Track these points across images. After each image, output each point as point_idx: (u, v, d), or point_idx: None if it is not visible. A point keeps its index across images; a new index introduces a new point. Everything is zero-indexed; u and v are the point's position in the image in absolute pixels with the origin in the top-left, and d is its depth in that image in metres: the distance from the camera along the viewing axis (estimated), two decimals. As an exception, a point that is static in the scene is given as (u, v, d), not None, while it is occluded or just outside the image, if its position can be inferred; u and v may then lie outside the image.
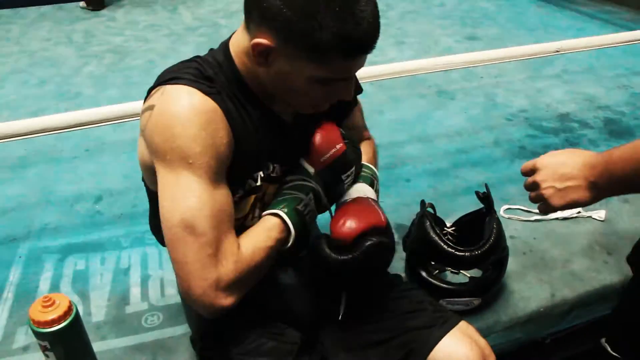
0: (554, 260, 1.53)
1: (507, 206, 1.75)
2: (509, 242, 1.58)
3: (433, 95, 2.55)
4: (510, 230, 1.65)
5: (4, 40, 3.53)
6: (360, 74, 1.80)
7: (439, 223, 1.42)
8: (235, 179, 0.88)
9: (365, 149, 1.13)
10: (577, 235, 1.63)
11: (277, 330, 1.00)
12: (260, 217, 0.94)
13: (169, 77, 0.84)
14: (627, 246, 1.57)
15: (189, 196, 0.78)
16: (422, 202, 1.38)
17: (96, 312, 1.38)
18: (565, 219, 1.71)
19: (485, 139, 2.17)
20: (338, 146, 0.98)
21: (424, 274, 1.33)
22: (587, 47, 1.80)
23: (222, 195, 0.83)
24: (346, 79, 0.87)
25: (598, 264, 1.52)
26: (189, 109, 0.79)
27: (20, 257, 1.57)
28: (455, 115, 2.36)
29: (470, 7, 3.82)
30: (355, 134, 1.13)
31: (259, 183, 0.92)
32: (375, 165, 1.14)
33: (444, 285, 1.32)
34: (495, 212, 1.35)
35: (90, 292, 1.44)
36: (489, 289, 1.35)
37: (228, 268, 0.81)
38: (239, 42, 0.88)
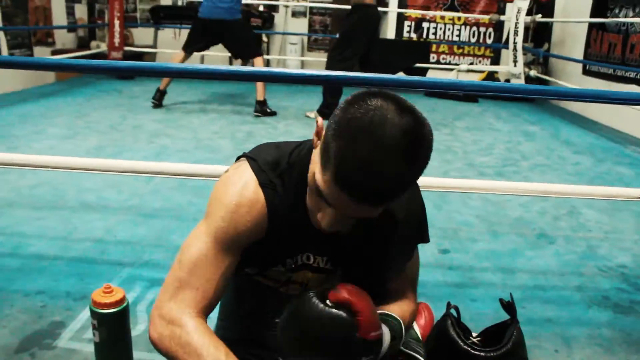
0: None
1: (563, 343, 1.71)
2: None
3: (533, 236, 2.57)
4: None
5: (185, 128, 4.28)
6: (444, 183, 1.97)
7: (464, 330, 1.47)
8: (271, 256, 1.05)
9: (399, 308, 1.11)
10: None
11: None
12: (298, 293, 1.07)
13: (252, 155, 1.04)
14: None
15: (194, 239, 0.99)
16: (448, 304, 1.45)
17: (155, 329, 1.63)
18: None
19: (569, 282, 2.13)
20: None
21: (441, 372, 1.37)
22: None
23: (215, 259, 0.97)
24: (332, 205, 0.88)
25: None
26: (235, 191, 0.99)
27: (119, 276, 1.91)
28: (547, 257, 2.35)
29: (607, 170, 3.78)
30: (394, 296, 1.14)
31: (293, 266, 1.07)
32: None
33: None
34: (517, 321, 1.38)
35: (158, 314, 1.70)
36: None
37: (172, 310, 0.95)
38: None
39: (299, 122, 4.74)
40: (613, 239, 2.58)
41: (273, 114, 4.96)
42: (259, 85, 4.93)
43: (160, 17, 7.77)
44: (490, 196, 3.07)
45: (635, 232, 2.68)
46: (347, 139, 0.81)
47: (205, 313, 0.98)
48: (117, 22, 6.33)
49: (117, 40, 6.37)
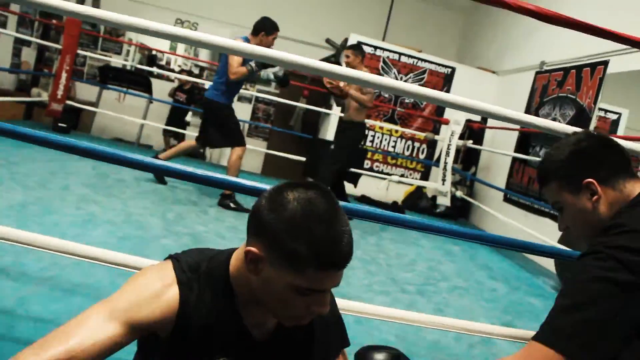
0: None
1: None
2: None
3: (448, 363, 2.64)
4: None
5: (115, 198, 4.16)
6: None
7: None
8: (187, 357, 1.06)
9: None
10: None
11: None
12: None
13: (177, 256, 1.10)
14: None
15: (87, 310, 0.99)
16: None
17: None
18: None
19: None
20: None
21: None
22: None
23: (100, 324, 0.95)
24: (322, 291, 0.99)
25: None
26: (150, 280, 1.03)
27: None
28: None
29: (518, 299, 3.98)
30: None
31: None
32: None
33: None
34: None
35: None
36: None
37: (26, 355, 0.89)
38: (240, 251, 1.06)
39: (230, 211, 4.72)
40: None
41: (242, 210, 4.64)
42: (230, 172, 4.68)
43: (108, 77, 7.75)
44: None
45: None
46: (306, 232, 0.93)
47: None
48: (64, 75, 6.25)
49: (60, 92, 6.26)
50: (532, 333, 1.19)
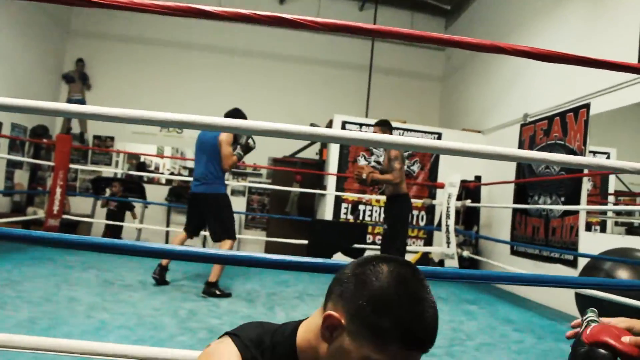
0: None
1: None
2: None
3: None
4: None
5: (124, 303, 4.07)
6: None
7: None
8: None
9: None
10: None
11: None
12: None
13: (235, 332, 1.06)
14: None
15: None
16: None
17: None
18: None
19: None
20: None
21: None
22: None
23: None
24: None
25: None
26: None
27: None
28: None
29: (550, 348, 3.85)
30: None
31: None
32: None
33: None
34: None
35: None
36: None
37: None
38: (312, 322, 1.04)
39: (242, 301, 4.64)
40: None
41: (225, 295, 4.70)
42: (216, 266, 4.73)
43: (101, 188, 7.81)
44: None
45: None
46: (396, 307, 0.91)
47: None
48: (59, 190, 6.29)
49: (56, 207, 6.27)
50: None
